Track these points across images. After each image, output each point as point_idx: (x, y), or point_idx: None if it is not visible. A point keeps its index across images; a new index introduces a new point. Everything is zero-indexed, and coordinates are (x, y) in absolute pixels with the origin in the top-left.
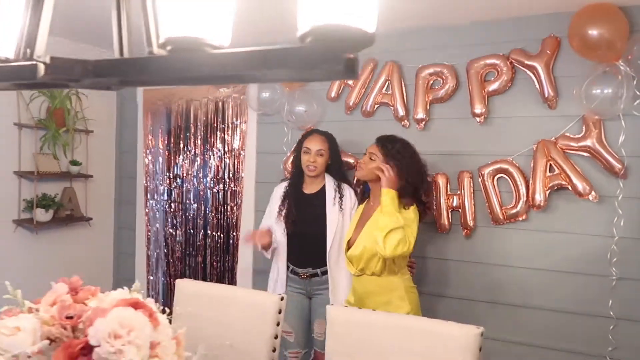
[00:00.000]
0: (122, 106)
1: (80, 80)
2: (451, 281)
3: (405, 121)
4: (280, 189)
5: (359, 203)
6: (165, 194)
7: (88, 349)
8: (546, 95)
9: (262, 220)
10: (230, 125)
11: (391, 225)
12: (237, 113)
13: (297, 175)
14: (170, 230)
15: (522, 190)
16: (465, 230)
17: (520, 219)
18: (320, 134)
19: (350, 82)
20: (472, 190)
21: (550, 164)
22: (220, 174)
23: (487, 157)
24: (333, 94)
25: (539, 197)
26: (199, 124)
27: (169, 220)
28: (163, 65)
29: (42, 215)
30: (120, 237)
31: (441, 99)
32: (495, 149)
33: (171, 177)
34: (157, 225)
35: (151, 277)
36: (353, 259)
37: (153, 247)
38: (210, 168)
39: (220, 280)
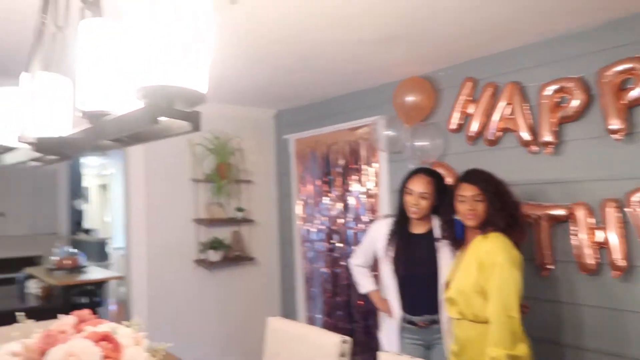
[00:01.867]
0: (279, 157)
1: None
2: (597, 331)
3: (533, 146)
4: (382, 227)
5: (453, 245)
6: (315, 235)
7: None
8: None
9: (355, 257)
10: (364, 166)
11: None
12: (370, 153)
13: (401, 215)
14: (322, 269)
15: None
16: (615, 272)
17: None
18: (425, 175)
19: (471, 110)
20: (619, 222)
21: None
22: (360, 214)
23: (636, 181)
24: (453, 126)
25: None
26: (338, 167)
27: (320, 259)
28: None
29: (213, 255)
30: (285, 275)
31: (571, 117)
32: None
33: (318, 218)
34: (312, 264)
35: (308, 314)
36: (451, 301)
37: (309, 285)
38: (350, 209)
39: (365, 320)
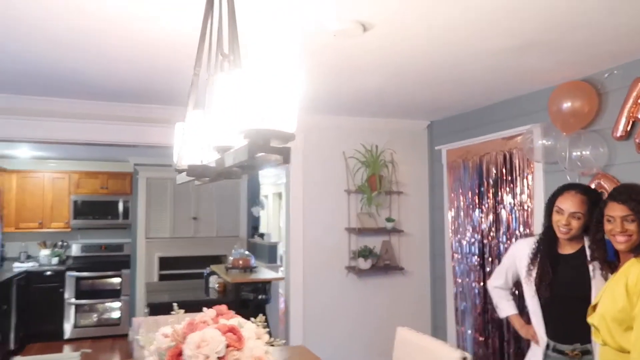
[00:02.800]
0: (432, 167)
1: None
2: None
3: None
4: (524, 246)
5: (604, 267)
6: (467, 248)
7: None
8: None
9: (493, 278)
10: (518, 177)
11: None
12: (524, 164)
13: (548, 234)
14: (473, 284)
15: None
16: None
17: None
18: (578, 192)
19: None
20: None
21: None
22: (512, 228)
23: None
24: (620, 133)
25: None
26: (490, 178)
27: (471, 273)
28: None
29: (363, 263)
30: (436, 287)
31: None
32: None
33: (469, 231)
34: (462, 278)
35: (458, 328)
36: (594, 327)
37: (459, 299)
38: (502, 222)
39: (517, 342)
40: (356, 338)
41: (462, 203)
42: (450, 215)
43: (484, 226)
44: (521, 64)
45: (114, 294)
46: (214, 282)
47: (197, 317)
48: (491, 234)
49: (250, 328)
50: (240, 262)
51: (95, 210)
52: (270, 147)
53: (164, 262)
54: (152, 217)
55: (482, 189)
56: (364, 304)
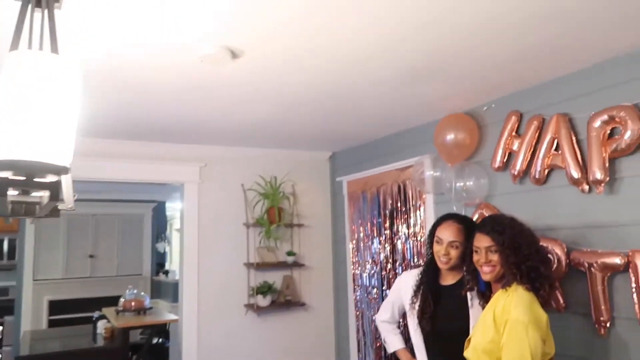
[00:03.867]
0: (334, 199)
1: None
2: None
3: (583, 185)
4: (409, 279)
5: (480, 298)
6: (367, 280)
7: None
8: None
9: (381, 312)
10: (411, 208)
11: None
12: (417, 195)
13: (430, 265)
14: (374, 317)
15: None
16: None
17: None
18: (456, 222)
19: (516, 146)
20: None
21: None
22: (407, 259)
23: None
24: (497, 164)
25: None
26: (387, 209)
27: (372, 306)
28: None
29: (262, 300)
30: (339, 322)
31: (625, 150)
32: None
33: (370, 262)
34: (363, 311)
35: None
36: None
37: (361, 332)
38: (398, 253)
39: None
40: None
41: (362, 234)
42: (351, 247)
43: (382, 257)
44: (407, 95)
45: None
46: (101, 327)
47: None
48: (388, 265)
49: None
50: (133, 303)
51: None
52: (35, 182)
53: (55, 306)
54: (41, 256)
55: (380, 220)
56: (265, 343)
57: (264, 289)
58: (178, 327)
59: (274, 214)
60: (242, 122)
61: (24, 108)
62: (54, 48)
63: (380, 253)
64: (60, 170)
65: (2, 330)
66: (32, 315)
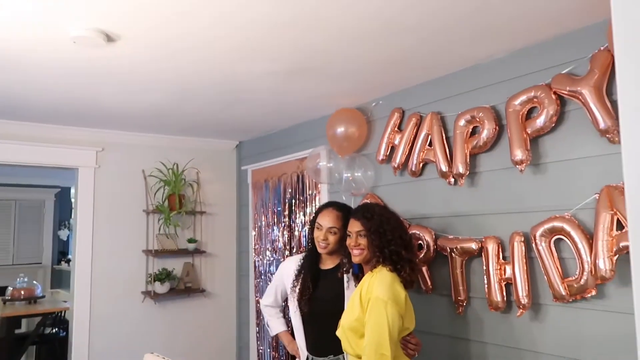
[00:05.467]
0: (240, 188)
1: None
2: None
3: (450, 178)
4: (291, 264)
5: (355, 280)
6: (267, 267)
7: None
8: (602, 126)
9: (265, 297)
10: (308, 197)
11: None
12: (313, 185)
13: (312, 250)
14: None
15: (586, 256)
16: (520, 310)
17: (589, 294)
18: (335, 209)
19: (397, 141)
20: (525, 258)
21: (617, 219)
22: (303, 246)
23: (542, 213)
24: (381, 157)
25: (603, 265)
26: (287, 198)
27: None
28: None
29: (159, 287)
30: (241, 308)
31: (482, 147)
32: (550, 203)
33: (270, 250)
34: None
35: (259, 348)
36: (340, 338)
37: (261, 318)
38: (295, 241)
39: None
40: None
41: (263, 222)
42: (253, 234)
43: (280, 245)
44: (297, 89)
45: None
46: None
47: None
48: (286, 252)
49: None
50: (23, 292)
51: None
52: None
53: None
54: None
55: (280, 208)
56: (164, 329)
57: (162, 276)
58: (70, 315)
59: (174, 201)
60: (137, 108)
61: None
62: None
63: (278, 241)
64: None
65: None
66: None
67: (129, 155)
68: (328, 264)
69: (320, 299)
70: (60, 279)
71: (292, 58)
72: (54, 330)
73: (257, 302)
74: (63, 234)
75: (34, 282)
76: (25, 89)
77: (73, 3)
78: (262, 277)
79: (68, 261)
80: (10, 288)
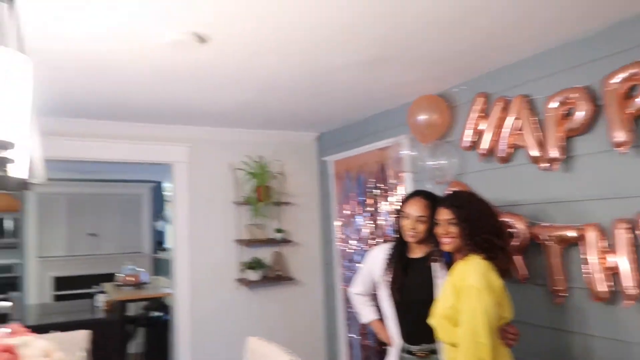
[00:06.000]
0: (321, 178)
1: None
2: None
3: (542, 163)
4: (380, 252)
5: (446, 269)
6: (352, 256)
7: None
8: None
9: (354, 285)
10: (391, 187)
11: None
12: (396, 174)
13: (399, 239)
14: None
15: None
16: (627, 301)
17: None
18: (423, 198)
19: (483, 126)
20: (631, 246)
21: None
22: (387, 235)
23: None
24: (466, 143)
25: None
26: (369, 187)
27: None
28: None
29: (252, 274)
30: (328, 296)
31: (577, 130)
32: None
33: (355, 239)
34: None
35: (348, 335)
36: (433, 327)
37: (349, 306)
38: (380, 230)
39: None
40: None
41: (347, 212)
42: (338, 224)
43: (365, 234)
44: (379, 78)
45: (1, 318)
46: (100, 300)
47: None
48: (370, 242)
49: (37, 346)
50: (131, 278)
51: None
52: None
53: (60, 282)
54: (44, 234)
55: (363, 198)
56: (257, 315)
57: (254, 265)
58: (173, 300)
59: (261, 193)
60: (224, 104)
61: None
62: (19, 39)
63: (363, 230)
64: (5, 145)
65: (12, 306)
66: (37, 291)
67: (218, 150)
68: (417, 252)
69: (412, 287)
70: (159, 267)
71: (373, 48)
72: (157, 314)
73: (344, 290)
74: (159, 225)
75: (138, 269)
76: (125, 91)
77: (170, 10)
78: (348, 265)
79: (164, 250)
80: (119, 274)
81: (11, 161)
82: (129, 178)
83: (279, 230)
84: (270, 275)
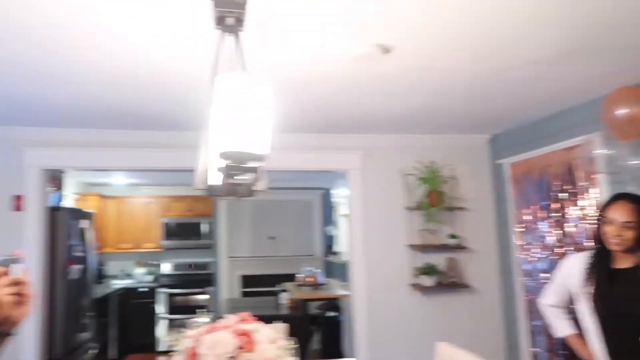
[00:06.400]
0: (496, 182)
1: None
2: None
3: None
4: (576, 262)
5: None
6: (535, 265)
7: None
8: None
9: (546, 296)
10: (581, 189)
11: None
12: (587, 175)
13: (600, 247)
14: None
15: None
16: None
17: None
18: (629, 202)
19: None
20: None
21: None
22: (579, 242)
23: None
24: None
25: None
26: (554, 191)
27: (541, 292)
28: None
29: (426, 280)
30: (507, 306)
31: None
32: None
33: (538, 247)
34: (532, 296)
35: (532, 349)
36: None
37: (533, 318)
38: (568, 237)
39: None
40: (424, 356)
41: (528, 218)
42: (516, 231)
43: (551, 241)
44: (568, 73)
45: (201, 310)
46: (284, 298)
47: (220, 321)
48: (559, 249)
49: (265, 333)
50: (310, 279)
51: (182, 231)
52: (243, 167)
53: (246, 280)
54: (233, 237)
55: (547, 202)
56: (430, 322)
57: (428, 270)
58: (349, 302)
59: (433, 198)
60: (397, 111)
61: (234, 116)
62: (242, 64)
63: (548, 237)
64: (260, 158)
65: (208, 299)
66: (228, 287)
67: (389, 156)
68: (623, 262)
69: (619, 301)
70: (330, 270)
71: (557, 42)
72: (333, 314)
73: (528, 300)
74: (329, 230)
75: (316, 270)
76: (312, 106)
77: (360, 25)
78: (532, 275)
79: (334, 254)
80: (299, 275)
81: (257, 171)
82: (301, 185)
83: (452, 236)
84: (444, 282)
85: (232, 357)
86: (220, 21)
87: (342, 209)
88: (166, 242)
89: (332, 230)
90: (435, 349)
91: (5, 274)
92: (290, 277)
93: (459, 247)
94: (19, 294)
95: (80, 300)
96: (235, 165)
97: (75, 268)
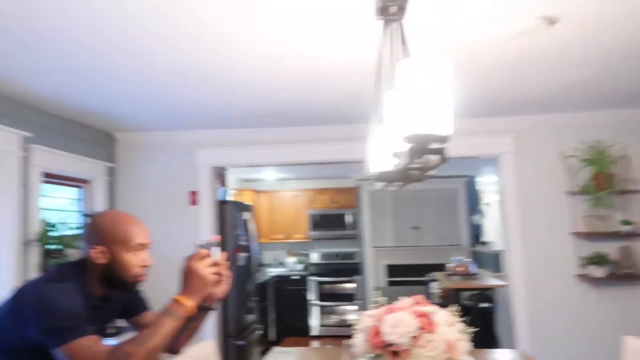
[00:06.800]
0: None
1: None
2: None
3: None
4: None
5: None
6: None
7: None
8: None
9: None
10: None
11: None
12: None
13: None
14: None
15: None
16: None
17: None
18: None
19: None
20: None
21: None
22: None
23: None
24: None
25: None
26: None
27: None
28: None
29: (596, 271)
30: None
31: None
32: None
33: None
34: None
35: None
36: None
37: None
38: None
39: None
40: (595, 353)
41: None
42: None
43: None
44: None
45: (349, 297)
46: (434, 287)
47: (396, 303)
48: None
49: (442, 315)
50: (461, 268)
51: (328, 222)
52: (428, 149)
53: (391, 270)
54: (376, 227)
55: None
56: (602, 317)
57: (598, 260)
58: (505, 294)
59: (601, 180)
60: (554, 88)
61: (417, 99)
62: (406, 52)
63: None
64: (444, 139)
65: (355, 287)
66: (374, 276)
67: (545, 138)
68: None
69: None
70: (479, 260)
71: None
72: (487, 305)
73: None
74: (474, 219)
75: (466, 259)
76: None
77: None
78: None
79: (484, 243)
80: (449, 264)
81: (442, 152)
82: (445, 174)
83: (625, 222)
84: (617, 273)
85: (414, 336)
86: (383, 11)
87: (488, 197)
88: (313, 233)
89: (478, 219)
90: (623, 344)
91: (208, 256)
92: (436, 267)
93: (634, 235)
94: (219, 274)
95: (247, 285)
96: (419, 147)
97: (242, 256)
